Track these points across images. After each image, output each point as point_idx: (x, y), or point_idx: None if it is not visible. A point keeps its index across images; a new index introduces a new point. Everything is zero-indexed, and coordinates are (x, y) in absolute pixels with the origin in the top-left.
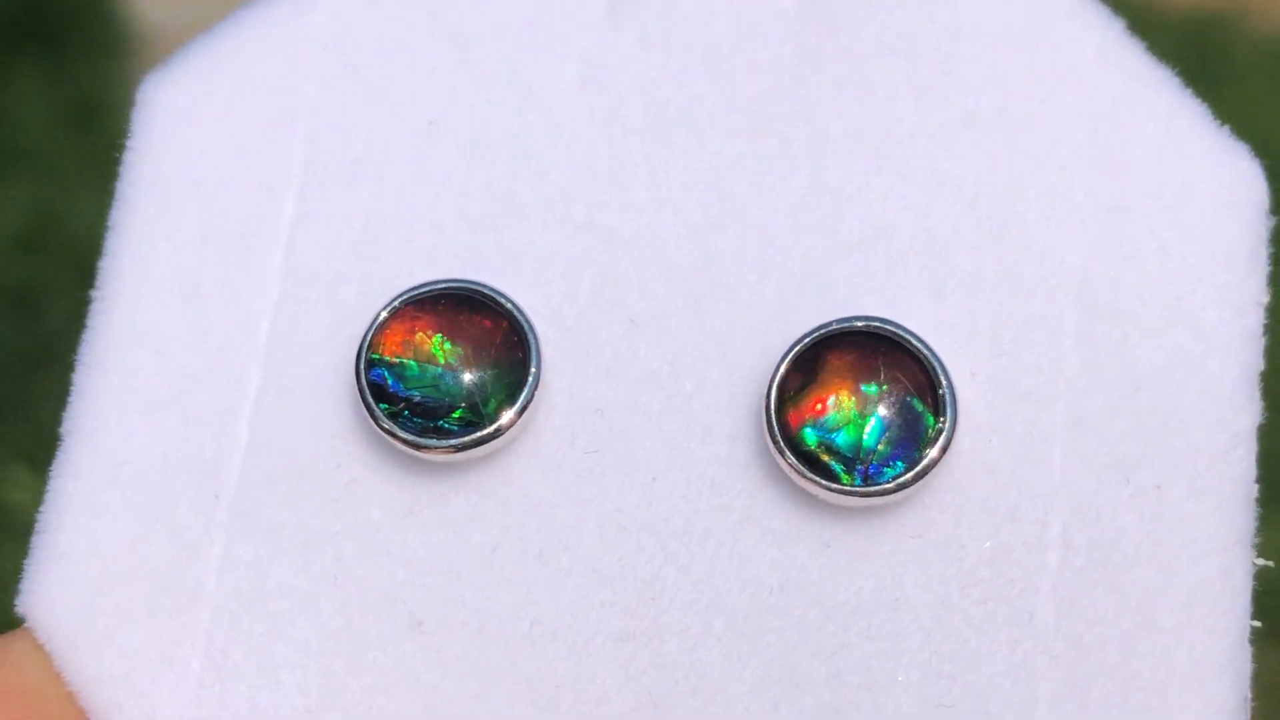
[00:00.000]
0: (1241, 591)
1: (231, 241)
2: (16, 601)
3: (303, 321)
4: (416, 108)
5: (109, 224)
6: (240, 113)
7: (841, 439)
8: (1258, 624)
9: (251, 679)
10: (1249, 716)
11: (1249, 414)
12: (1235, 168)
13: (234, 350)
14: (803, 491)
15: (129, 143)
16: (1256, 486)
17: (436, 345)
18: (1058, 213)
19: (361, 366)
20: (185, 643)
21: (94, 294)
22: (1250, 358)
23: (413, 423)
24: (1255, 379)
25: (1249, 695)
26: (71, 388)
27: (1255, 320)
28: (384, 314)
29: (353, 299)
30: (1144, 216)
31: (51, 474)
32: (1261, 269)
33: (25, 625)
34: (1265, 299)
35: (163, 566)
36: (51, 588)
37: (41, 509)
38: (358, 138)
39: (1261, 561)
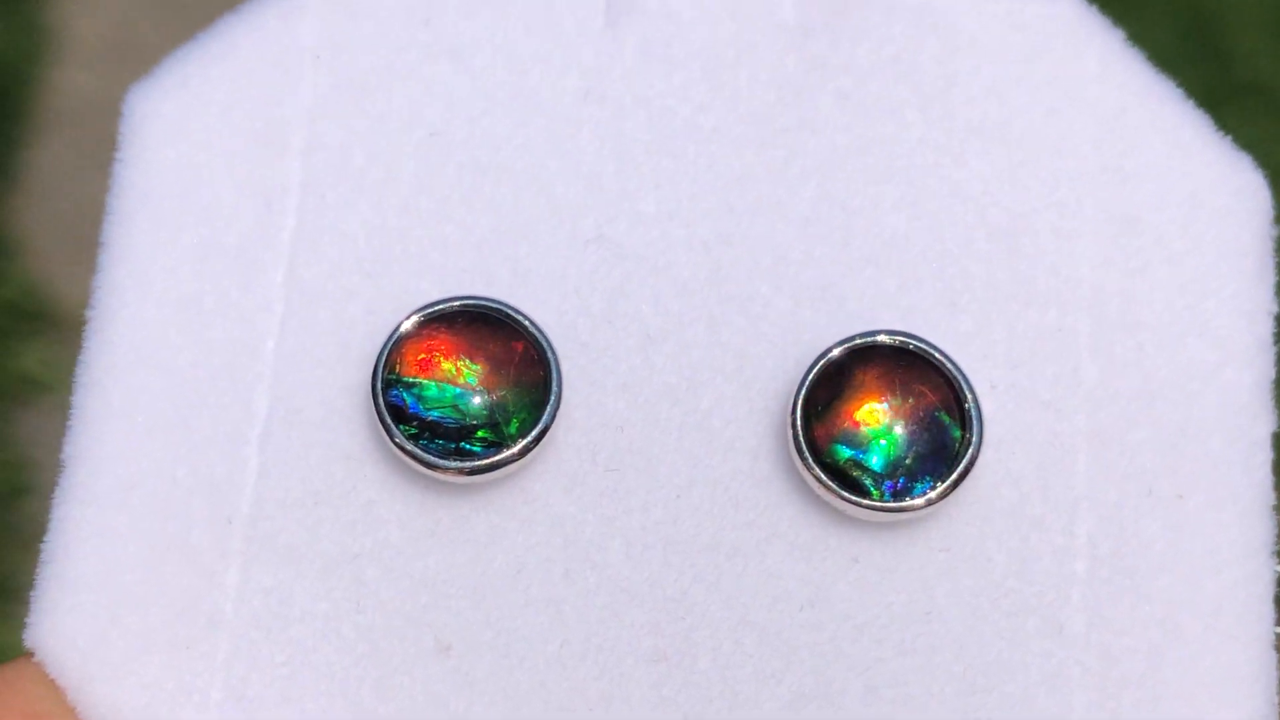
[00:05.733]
0: (1265, 598)
1: (231, 257)
2: (24, 634)
3: (309, 339)
4: (416, 119)
5: (100, 240)
6: (233, 123)
7: (872, 454)
8: None
9: (274, 709)
10: None
11: (1265, 422)
12: (1239, 178)
13: (240, 369)
14: (827, 506)
15: (117, 154)
16: (1275, 494)
17: (455, 365)
18: (1068, 224)
19: (379, 387)
20: (205, 673)
21: (89, 313)
22: (1264, 366)
23: (434, 445)
24: (1269, 387)
25: (1276, 700)
26: (71, 410)
27: (1266, 328)
28: (400, 332)
29: (360, 316)
30: (1153, 227)
31: (56, 500)
32: (1269, 277)
33: (34, 659)
34: (1275, 308)
35: (178, 594)
36: (62, 618)
37: (47, 537)
38: (357, 149)
39: None
